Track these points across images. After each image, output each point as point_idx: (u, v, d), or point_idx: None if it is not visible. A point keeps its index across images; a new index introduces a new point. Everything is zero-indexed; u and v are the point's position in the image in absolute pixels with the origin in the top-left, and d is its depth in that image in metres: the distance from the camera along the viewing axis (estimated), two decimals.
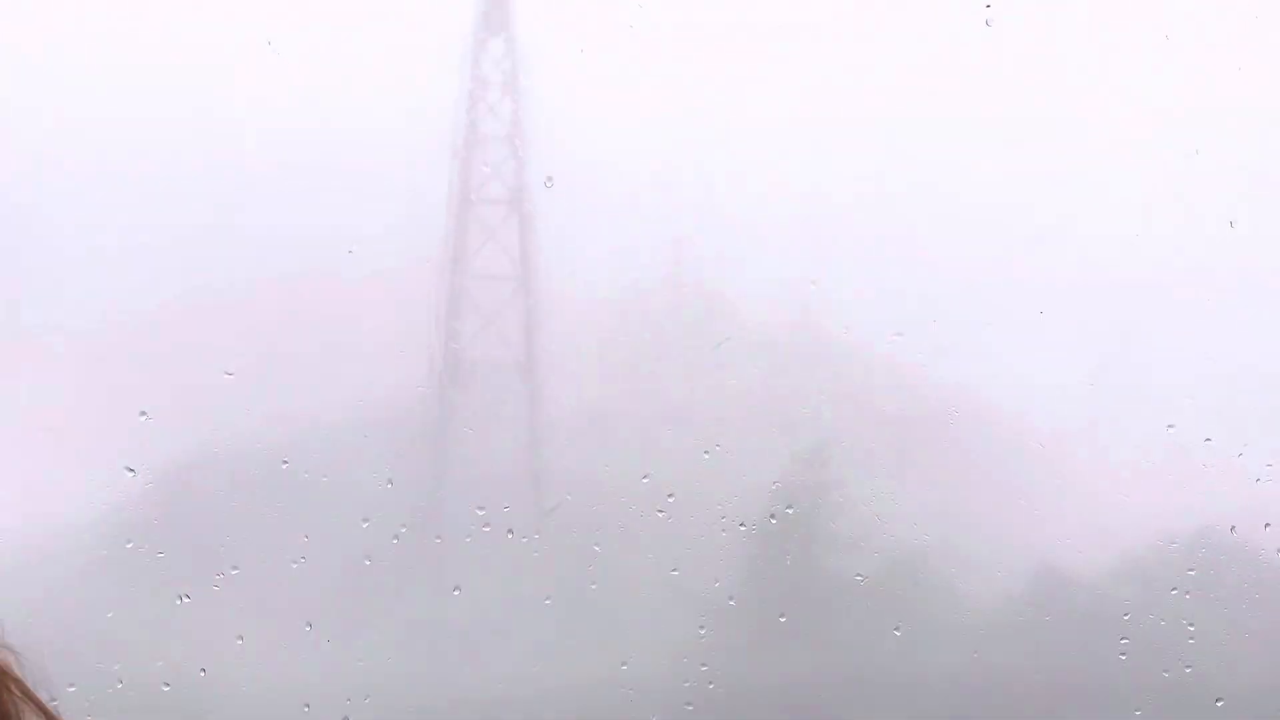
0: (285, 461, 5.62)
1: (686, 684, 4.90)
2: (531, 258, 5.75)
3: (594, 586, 5.45)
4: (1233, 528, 4.91)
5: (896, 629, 5.32)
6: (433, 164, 5.55)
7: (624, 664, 5.18)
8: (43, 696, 0.76)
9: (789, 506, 5.79)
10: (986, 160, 5.65)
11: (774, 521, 5.74)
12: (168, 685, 4.49)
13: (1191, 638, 4.55)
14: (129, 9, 5.22)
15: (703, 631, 5.31)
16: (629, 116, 5.39)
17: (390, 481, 5.71)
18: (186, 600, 4.97)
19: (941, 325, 5.82)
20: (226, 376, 5.52)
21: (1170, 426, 5.38)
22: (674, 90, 5.30)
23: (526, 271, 5.75)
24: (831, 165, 5.61)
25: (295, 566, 5.32)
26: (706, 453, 5.80)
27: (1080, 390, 5.87)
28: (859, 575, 5.65)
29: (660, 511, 5.64)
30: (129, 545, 5.13)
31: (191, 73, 5.24)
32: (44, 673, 0.77)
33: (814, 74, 5.44)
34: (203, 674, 4.64)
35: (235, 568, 5.14)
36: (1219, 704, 4.40)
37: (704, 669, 4.95)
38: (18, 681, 0.74)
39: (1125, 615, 4.89)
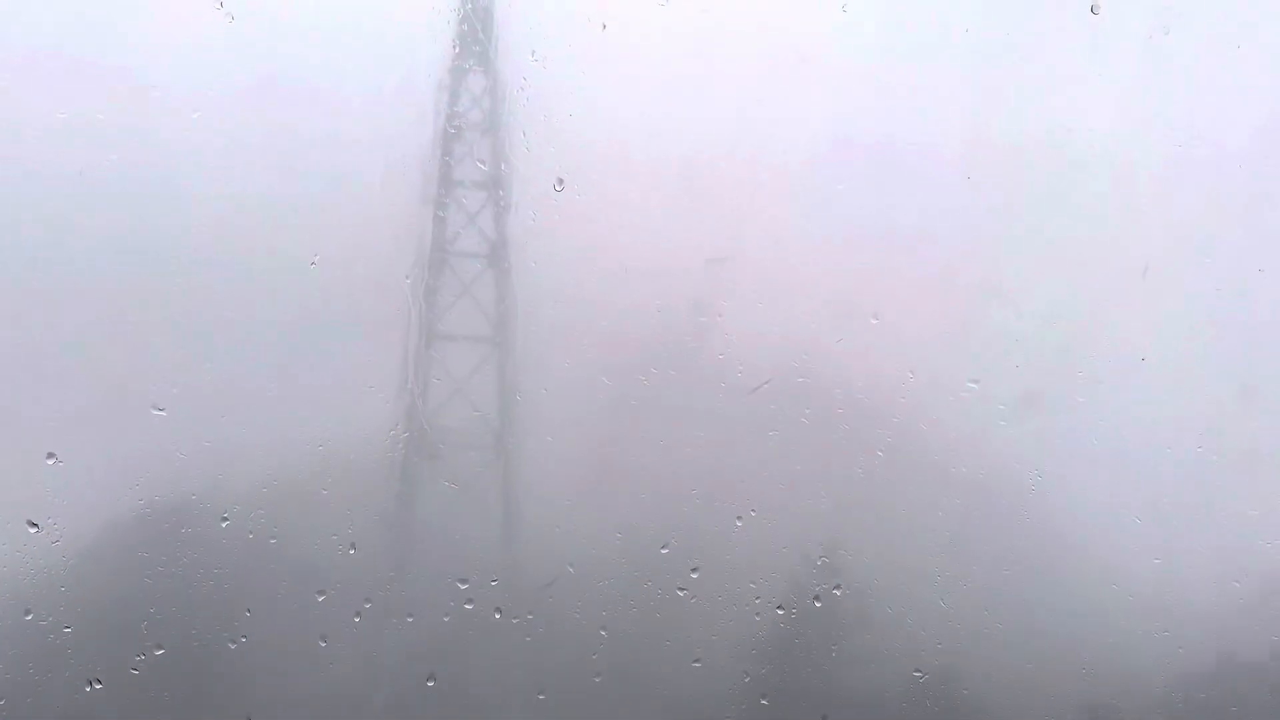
0: (225, 519, 4.83)
1: None
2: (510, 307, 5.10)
3: (598, 680, 4.70)
4: None
5: None
6: (406, 212, 4.93)
7: None
8: None
9: (836, 586, 5.01)
10: (1072, 188, 5.07)
11: (818, 604, 4.96)
12: None
13: None
14: None
15: None
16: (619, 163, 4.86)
17: (353, 546, 4.92)
18: (97, 688, 4.20)
19: (1025, 371, 5.13)
20: (156, 413, 4.73)
21: None
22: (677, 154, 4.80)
23: (503, 318, 5.06)
24: (895, 198, 5.01)
25: (234, 648, 4.56)
26: (739, 519, 5.02)
27: (1188, 453, 5.15)
28: (918, 672, 4.88)
29: (681, 590, 4.92)
30: (28, 616, 4.37)
31: (153, 131, 4.63)
32: None
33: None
34: None
35: (159, 648, 4.37)
36: None
37: None
38: None
39: None
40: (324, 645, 4.71)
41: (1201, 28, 4.88)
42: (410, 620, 4.88)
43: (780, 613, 5.01)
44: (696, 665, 4.80)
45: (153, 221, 4.92)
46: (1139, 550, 5.42)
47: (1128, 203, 5.07)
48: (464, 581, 4.97)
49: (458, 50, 4.67)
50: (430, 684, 4.68)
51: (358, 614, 4.91)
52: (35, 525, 4.66)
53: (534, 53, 4.74)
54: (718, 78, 4.77)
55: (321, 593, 4.89)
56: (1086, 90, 4.90)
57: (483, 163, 4.80)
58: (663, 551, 4.97)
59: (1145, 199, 5.07)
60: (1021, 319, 5.18)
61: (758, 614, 4.98)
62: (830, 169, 4.95)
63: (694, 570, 4.97)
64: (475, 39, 4.67)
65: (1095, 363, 5.24)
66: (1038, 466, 5.34)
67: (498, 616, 4.74)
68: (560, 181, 4.90)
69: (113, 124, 4.75)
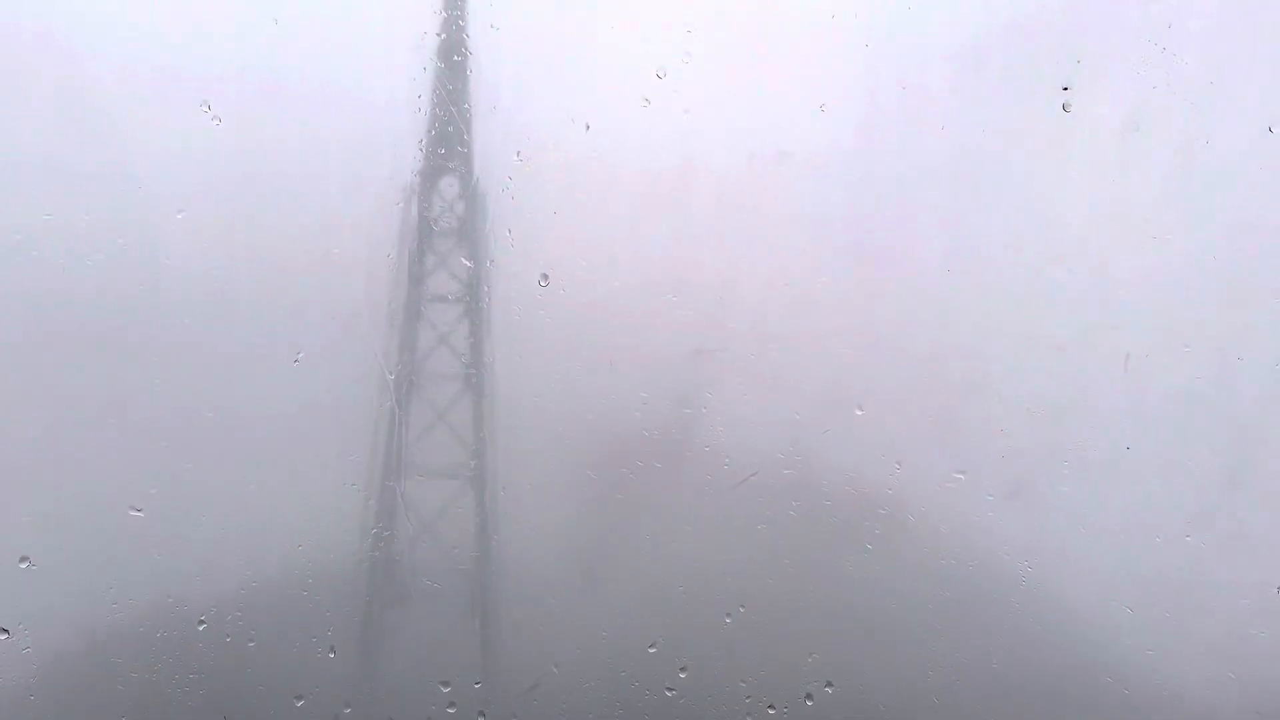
0: (203, 621, 4.77)
1: None
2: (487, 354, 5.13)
3: None
4: None
5: None
6: (391, 306, 5.02)
7: None
8: None
9: (828, 684, 4.98)
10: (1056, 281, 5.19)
11: (810, 703, 4.92)
12: None
13: None
14: None
15: None
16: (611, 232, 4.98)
17: (332, 649, 4.88)
18: None
19: (1012, 462, 5.19)
20: (134, 514, 4.71)
21: None
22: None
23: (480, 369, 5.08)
24: (876, 292, 5.12)
25: None
26: (728, 616, 5.01)
27: (1178, 542, 5.19)
28: None
29: (670, 690, 4.90)
30: None
31: (138, 230, 4.75)
32: None
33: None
34: None
35: None
36: None
37: None
38: None
39: None
40: None
41: (1174, 125, 5.05)
42: None
43: (772, 712, 4.96)
44: None
45: (133, 319, 4.97)
46: (1131, 642, 5.42)
47: (1107, 293, 5.19)
48: (446, 684, 4.93)
49: (443, 151, 4.80)
50: None
51: (337, 719, 4.86)
52: (5, 631, 4.62)
53: (519, 153, 4.88)
54: (699, 176, 4.91)
55: (300, 697, 4.84)
56: (1062, 184, 5.07)
57: (467, 259, 4.89)
58: (650, 651, 4.93)
59: (1124, 290, 5.20)
60: (1006, 410, 5.26)
61: (749, 714, 4.93)
62: (811, 263, 5.07)
63: (682, 670, 4.94)
64: (459, 139, 4.81)
65: (1081, 453, 5.32)
66: (1027, 558, 5.36)
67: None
68: (545, 277, 4.99)
69: (98, 223, 4.83)
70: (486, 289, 4.98)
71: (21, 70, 4.62)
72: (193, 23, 4.67)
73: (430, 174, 4.92)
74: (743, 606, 5.03)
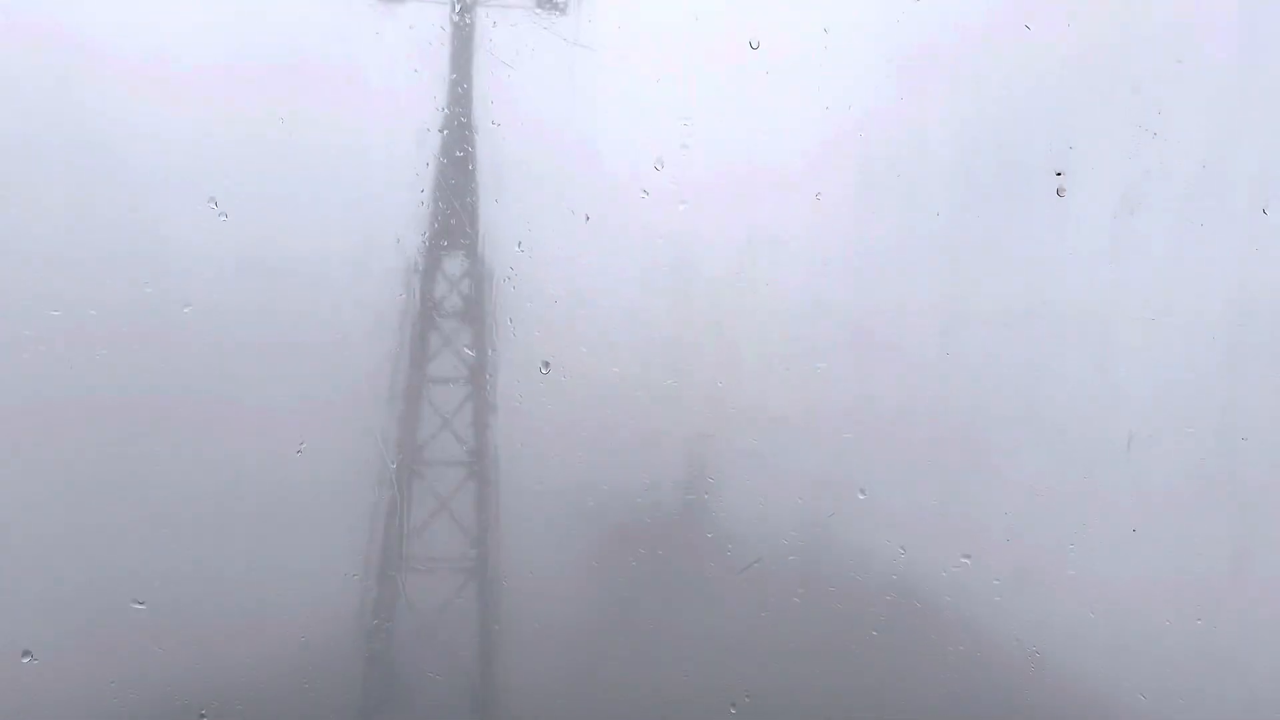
0: (203, 715, 4.76)
1: None
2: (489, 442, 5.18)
3: None
4: None
5: None
6: (392, 395, 5.09)
7: None
8: None
9: None
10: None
11: None
12: None
13: None
14: None
15: None
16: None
17: None
18: None
19: (1016, 546, 5.18)
20: (136, 606, 4.73)
21: None
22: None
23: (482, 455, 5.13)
24: (875, 373, 5.18)
25: None
26: (733, 706, 4.96)
27: (1187, 625, 5.15)
28: None
29: None
30: None
31: (144, 326, 4.86)
32: None
33: None
34: None
35: None
36: None
37: None
38: None
39: None
40: None
41: (1168, 207, 5.14)
42: None
43: None
44: None
45: (138, 411, 5.04)
46: None
47: (1107, 374, 5.24)
48: None
49: (445, 242, 4.91)
50: None
51: None
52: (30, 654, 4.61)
53: (520, 243, 4.99)
54: (697, 264, 5.01)
55: None
56: (1059, 267, 5.14)
57: (469, 348, 4.97)
58: None
59: (1123, 370, 5.24)
60: (1009, 492, 5.28)
61: None
62: (810, 346, 5.13)
63: None
64: (463, 231, 4.92)
65: (1087, 535, 5.31)
66: (1035, 643, 5.34)
67: None
68: (546, 365, 5.06)
69: (106, 315, 4.93)
70: (489, 376, 5.06)
71: (34, 165, 4.76)
72: (200, 120, 4.82)
73: (433, 265, 5.03)
74: (748, 696, 4.99)
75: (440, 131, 4.86)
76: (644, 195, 4.86)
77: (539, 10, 4.84)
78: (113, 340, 4.84)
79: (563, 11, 4.86)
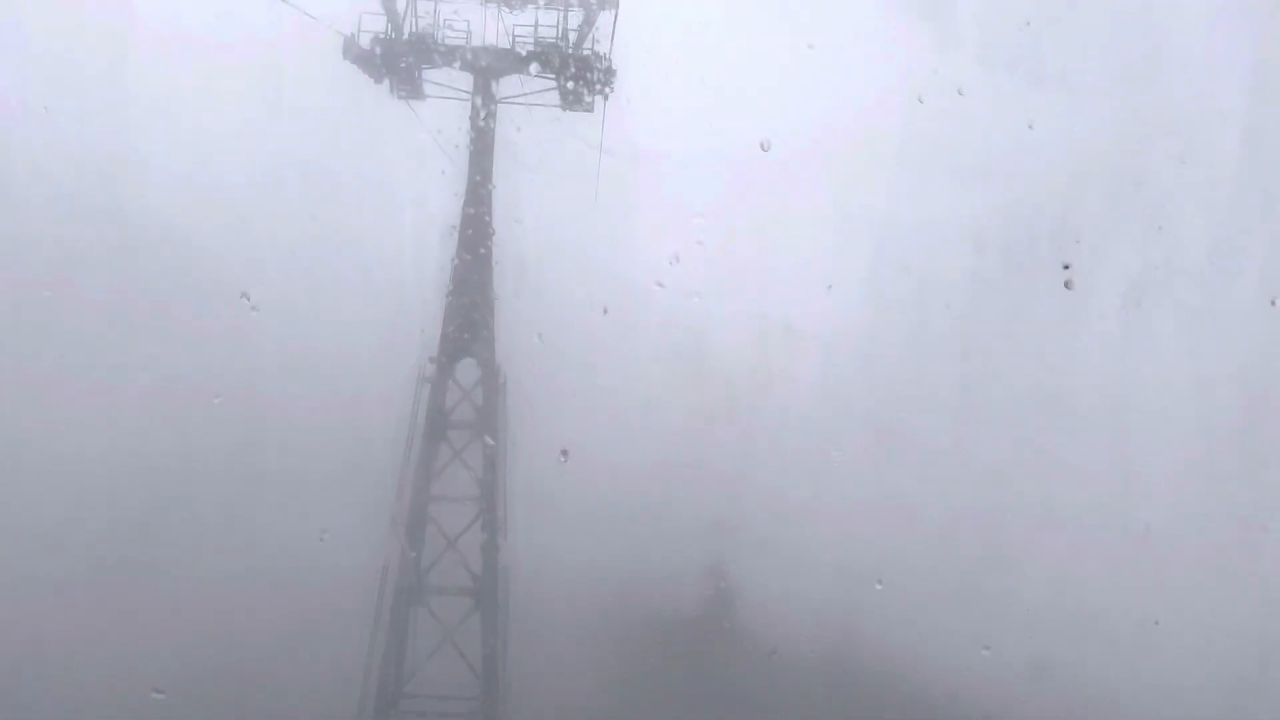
0: None
1: None
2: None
3: None
4: None
5: None
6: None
7: None
8: None
9: None
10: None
11: None
12: None
13: None
14: None
15: None
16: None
17: None
18: None
19: (1038, 636, 5.18)
20: (156, 696, 4.79)
21: None
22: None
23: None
24: (891, 463, 5.27)
25: None
26: None
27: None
28: None
29: None
30: None
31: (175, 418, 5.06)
32: None
33: None
34: None
35: None
36: None
37: None
38: None
39: None
40: None
41: (1176, 300, 5.28)
42: None
43: None
44: None
45: (161, 508, 5.19)
46: None
47: (1122, 465, 5.31)
48: None
49: (467, 336, 5.10)
50: None
51: None
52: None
53: (540, 335, 5.17)
54: (712, 354, 5.17)
55: None
56: (1069, 358, 5.26)
57: (490, 438, 5.11)
58: None
59: (1139, 462, 5.31)
60: (1028, 582, 5.30)
61: None
62: (825, 436, 5.25)
63: None
64: (484, 324, 5.12)
65: (1109, 626, 5.30)
66: None
67: None
68: (565, 454, 5.19)
69: (137, 413, 5.12)
70: (508, 465, 5.18)
71: (75, 264, 5.01)
72: (234, 216, 5.08)
73: (454, 357, 5.21)
74: None
75: (466, 230, 5.10)
76: (659, 288, 5.05)
77: (564, 111, 5.12)
78: (140, 437, 5.03)
79: (590, 110, 5.14)
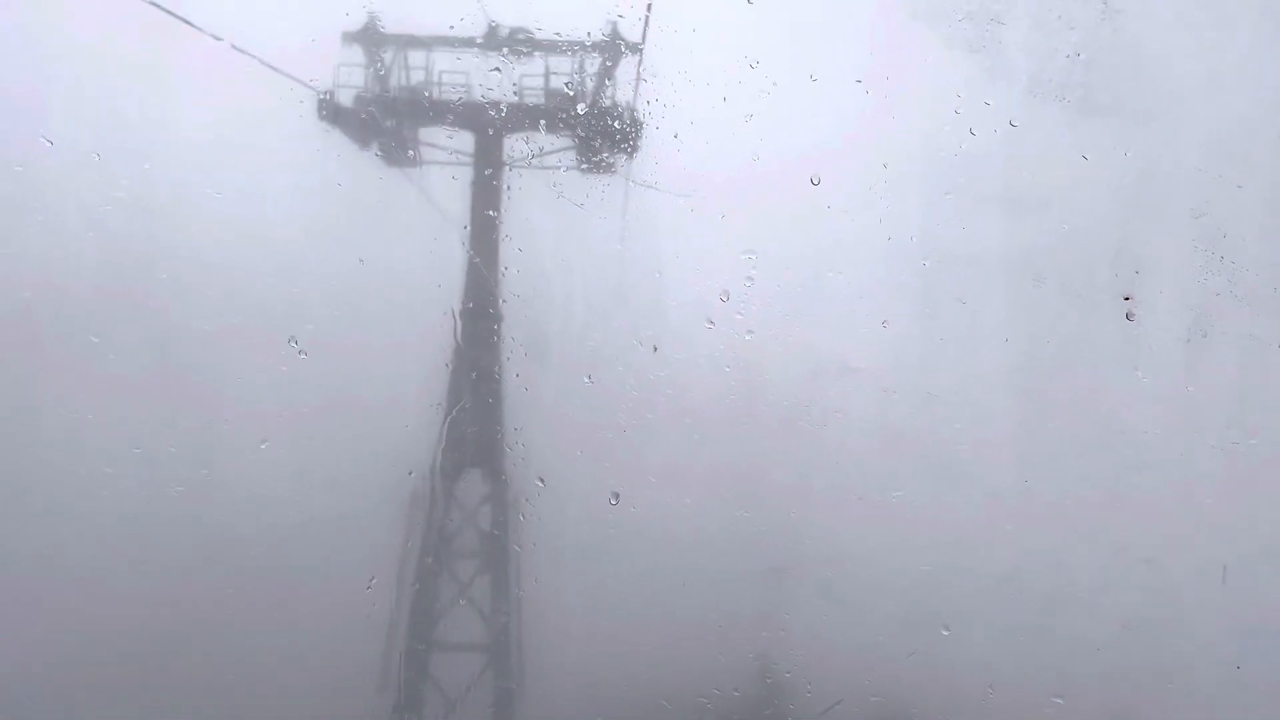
0: None
1: None
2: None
3: None
4: None
5: None
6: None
7: None
8: None
9: None
10: None
11: None
12: None
13: None
14: None
15: None
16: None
17: None
18: None
19: (1111, 683, 5.00)
20: None
21: None
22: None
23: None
24: (951, 502, 5.18)
25: None
26: None
27: None
28: None
29: None
30: None
31: (222, 462, 5.10)
32: None
33: None
34: None
35: None
36: None
37: None
38: None
39: None
40: None
41: (1240, 330, 5.19)
42: None
43: None
44: None
45: (208, 548, 5.17)
46: None
47: (1192, 503, 5.17)
48: None
49: (518, 375, 5.09)
50: None
51: None
52: None
53: (589, 376, 5.15)
54: (765, 393, 5.12)
55: None
56: (1132, 392, 5.17)
57: (541, 480, 5.06)
58: None
59: (1210, 499, 5.17)
60: (1100, 625, 5.14)
61: None
62: (883, 476, 5.15)
63: None
64: (534, 362, 5.11)
65: (1187, 672, 5.13)
66: None
67: None
68: (616, 496, 5.13)
69: (183, 453, 5.12)
70: (559, 507, 5.13)
71: (122, 307, 5.05)
72: (284, 263, 5.13)
73: (498, 401, 5.19)
74: None
75: (515, 271, 5.11)
76: (710, 326, 5.03)
77: (582, 174, 5.13)
78: (187, 478, 5.02)
79: (612, 171, 5.16)
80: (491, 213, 5.08)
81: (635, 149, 5.10)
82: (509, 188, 5.08)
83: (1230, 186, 5.14)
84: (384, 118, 5.12)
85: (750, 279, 5.09)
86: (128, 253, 5.04)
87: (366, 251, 5.02)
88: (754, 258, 5.08)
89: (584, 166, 5.09)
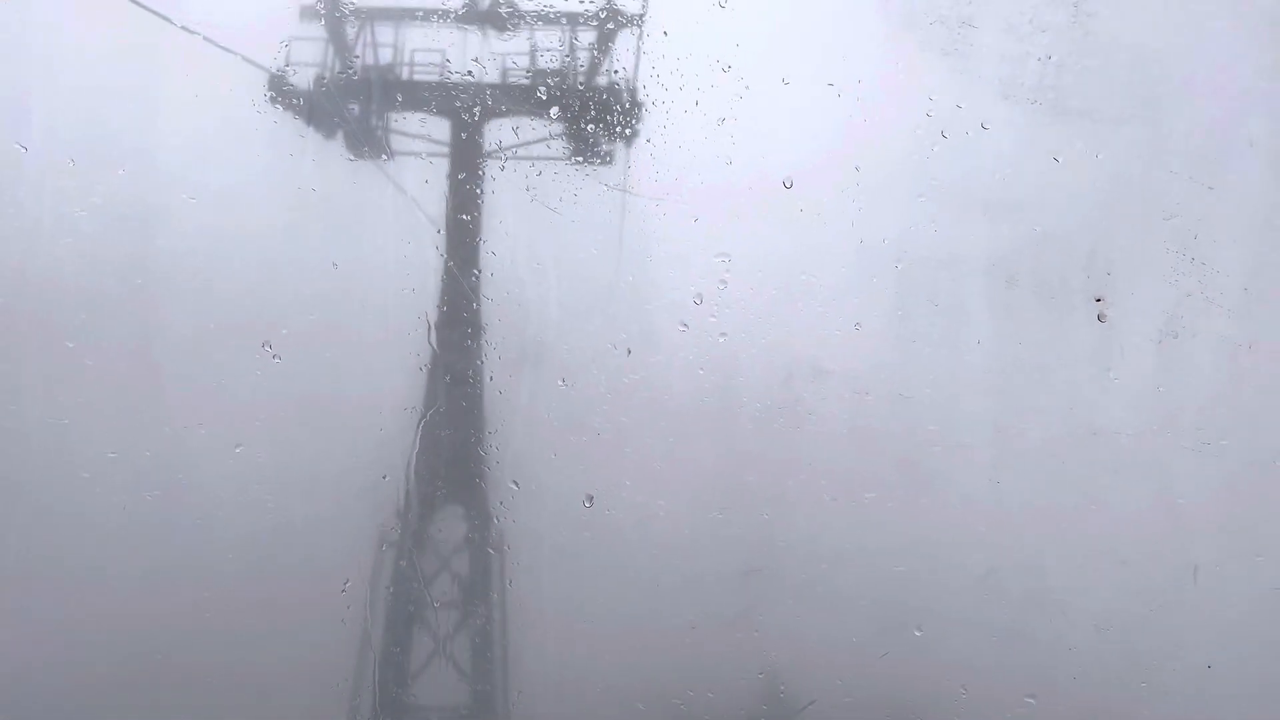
0: None
1: None
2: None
3: None
4: None
5: None
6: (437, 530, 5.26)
7: None
8: None
9: None
10: None
11: None
12: None
13: None
14: None
15: None
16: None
17: None
18: None
19: (1084, 683, 5.07)
20: None
21: None
22: None
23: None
24: (924, 505, 5.23)
25: None
26: None
27: None
28: None
29: None
30: None
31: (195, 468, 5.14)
32: None
33: None
34: None
35: None
36: None
37: None
38: None
39: None
40: None
41: (1213, 330, 5.25)
42: None
43: None
44: None
45: (184, 557, 5.22)
46: None
47: (1165, 504, 5.23)
48: None
49: (491, 377, 5.14)
50: None
51: None
52: None
53: (563, 379, 5.20)
54: (739, 396, 5.17)
55: None
56: (1105, 393, 5.23)
57: (515, 483, 5.12)
58: None
59: (1183, 499, 5.23)
60: (1073, 626, 5.21)
61: None
62: (857, 477, 5.21)
63: None
64: (512, 368, 5.16)
65: (1159, 673, 5.19)
66: None
67: None
68: (590, 499, 5.19)
69: (156, 459, 5.17)
70: (534, 508, 5.18)
71: (96, 313, 5.10)
72: (259, 267, 5.18)
73: (475, 400, 5.24)
74: None
75: (491, 274, 5.16)
76: (684, 329, 5.09)
77: (575, 165, 5.16)
78: (161, 484, 5.07)
79: (609, 161, 5.19)
80: (466, 217, 5.12)
81: (609, 153, 5.16)
82: (482, 192, 5.13)
83: (1201, 189, 5.20)
84: (357, 109, 5.14)
85: (724, 282, 5.15)
86: (104, 258, 5.10)
87: (340, 255, 5.09)
88: (727, 261, 5.13)
89: (558, 171, 5.15)
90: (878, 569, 5.19)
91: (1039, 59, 5.15)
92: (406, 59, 5.19)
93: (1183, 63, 5.26)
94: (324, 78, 5.12)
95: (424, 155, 5.16)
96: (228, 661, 4.91)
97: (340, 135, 5.16)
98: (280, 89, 5.02)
